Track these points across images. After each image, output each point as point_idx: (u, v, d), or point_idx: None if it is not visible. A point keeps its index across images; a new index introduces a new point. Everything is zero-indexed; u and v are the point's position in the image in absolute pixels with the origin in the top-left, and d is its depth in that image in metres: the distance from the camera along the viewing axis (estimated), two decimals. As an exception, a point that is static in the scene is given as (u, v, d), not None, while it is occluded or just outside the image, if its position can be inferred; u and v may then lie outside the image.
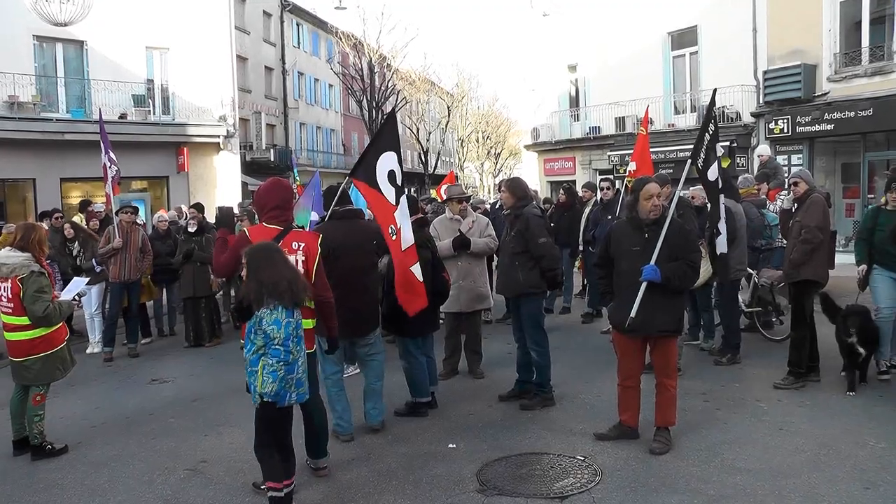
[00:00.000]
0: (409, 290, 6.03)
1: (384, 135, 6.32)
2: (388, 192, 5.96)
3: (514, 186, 7.01)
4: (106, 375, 8.76)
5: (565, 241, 10.66)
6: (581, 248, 10.83)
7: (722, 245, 6.50)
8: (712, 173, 6.22)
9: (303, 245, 4.96)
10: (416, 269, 6.00)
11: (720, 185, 6.40)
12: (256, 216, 5.89)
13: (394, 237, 5.94)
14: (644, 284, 5.36)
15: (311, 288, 4.87)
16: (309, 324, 4.91)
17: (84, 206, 13.05)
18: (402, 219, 5.98)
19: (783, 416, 6.15)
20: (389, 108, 7.51)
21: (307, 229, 6.59)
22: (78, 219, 12.05)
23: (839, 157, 18.00)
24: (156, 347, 10.31)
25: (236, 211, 10.66)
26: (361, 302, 5.87)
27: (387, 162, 6.02)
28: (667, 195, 6.99)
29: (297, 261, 4.89)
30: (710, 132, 6.13)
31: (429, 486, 4.98)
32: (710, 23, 19.94)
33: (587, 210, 10.69)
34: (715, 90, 7.10)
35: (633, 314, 5.47)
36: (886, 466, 5.01)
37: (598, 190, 10.53)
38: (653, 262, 5.36)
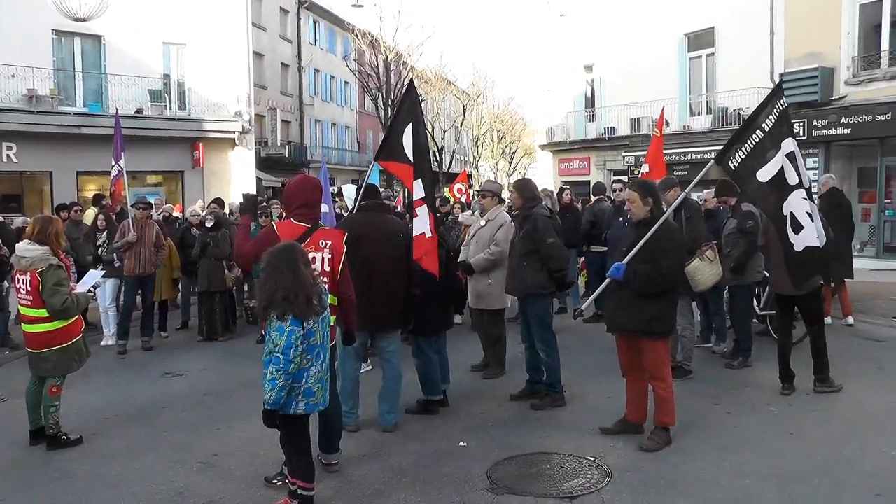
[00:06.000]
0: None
1: (403, 109, 6.49)
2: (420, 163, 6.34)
3: (523, 188, 7.05)
4: (120, 368, 8.83)
5: (572, 242, 10.67)
6: (585, 248, 10.87)
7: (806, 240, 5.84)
8: (764, 174, 5.71)
9: (329, 243, 5.00)
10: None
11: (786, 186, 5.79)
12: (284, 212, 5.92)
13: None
14: (608, 280, 5.67)
15: (334, 287, 4.92)
16: (331, 320, 4.97)
17: (97, 199, 13.20)
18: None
19: (794, 420, 6.14)
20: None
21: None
22: (91, 212, 12.18)
23: (855, 161, 17.88)
24: (169, 341, 10.38)
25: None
26: (383, 293, 5.90)
27: (409, 134, 6.29)
28: (674, 198, 7.02)
29: (323, 258, 4.93)
30: (766, 129, 5.72)
31: (439, 484, 5.01)
32: (727, 24, 19.86)
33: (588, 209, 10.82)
34: (782, 76, 6.70)
35: (583, 307, 6.36)
36: (898, 474, 4.99)
37: (612, 191, 10.52)
38: (625, 260, 5.51)
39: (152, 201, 12.00)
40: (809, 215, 5.79)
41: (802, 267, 6.04)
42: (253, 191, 22.31)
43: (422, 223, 6.19)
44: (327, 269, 4.95)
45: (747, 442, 5.65)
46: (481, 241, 7.80)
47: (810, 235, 5.79)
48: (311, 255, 4.84)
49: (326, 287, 4.83)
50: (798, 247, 5.82)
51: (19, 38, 18.86)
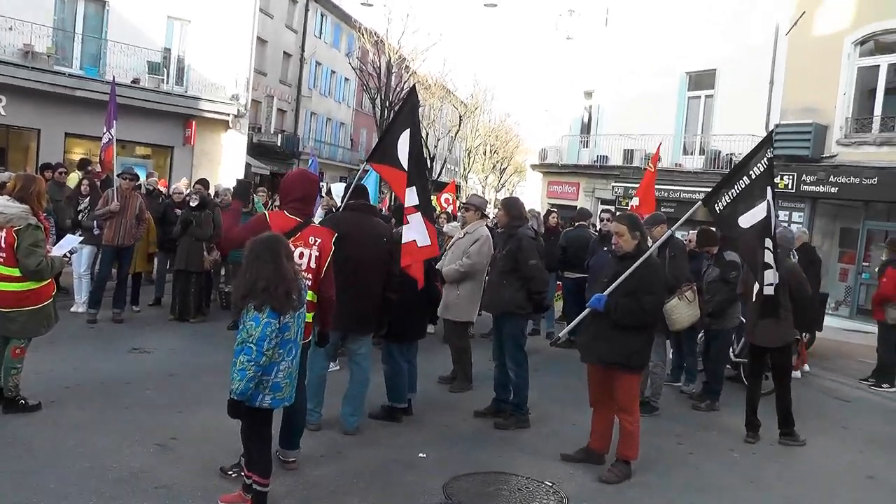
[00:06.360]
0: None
1: (403, 114, 6.47)
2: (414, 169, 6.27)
3: (510, 206, 7.07)
4: (88, 338, 8.71)
5: (553, 265, 10.69)
6: (561, 272, 10.90)
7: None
8: (747, 220, 5.82)
9: (319, 241, 4.98)
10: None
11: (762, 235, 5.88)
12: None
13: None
14: (587, 310, 5.66)
15: (316, 285, 4.91)
16: (307, 317, 4.93)
17: (83, 164, 13.06)
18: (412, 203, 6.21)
19: (755, 469, 6.17)
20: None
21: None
22: (76, 176, 12.04)
23: (839, 220, 18.08)
24: (140, 316, 10.26)
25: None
26: (362, 295, 5.86)
27: (405, 140, 6.27)
28: (660, 235, 7.06)
29: (310, 255, 4.91)
30: (753, 177, 5.82)
31: (394, 493, 4.98)
32: (730, 69, 20.01)
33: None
34: (776, 126, 6.84)
35: (560, 334, 6.23)
36: (850, 534, 5.02)
37: (599, 220, 10.56)
38: (606, 292, 5.52)
39: (142, 173, 11.87)
40: (767, 265, 5.89)
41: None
42: (241, 175, 22.25)
43: (413, 231, 6.15)
44: (313, 265, 4.93)
45: (707, 485, 5.67)
46: (456, 253, 7.82)
47: (763, 284, 5.96)
48: (299, 251, 4.84)
49: (308, 284, 4.82)
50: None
51: (22, -8, 18.65)
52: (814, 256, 10.62)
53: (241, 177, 21.97)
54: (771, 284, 5.91)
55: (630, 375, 5.61)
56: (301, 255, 4.87)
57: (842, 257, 17.85)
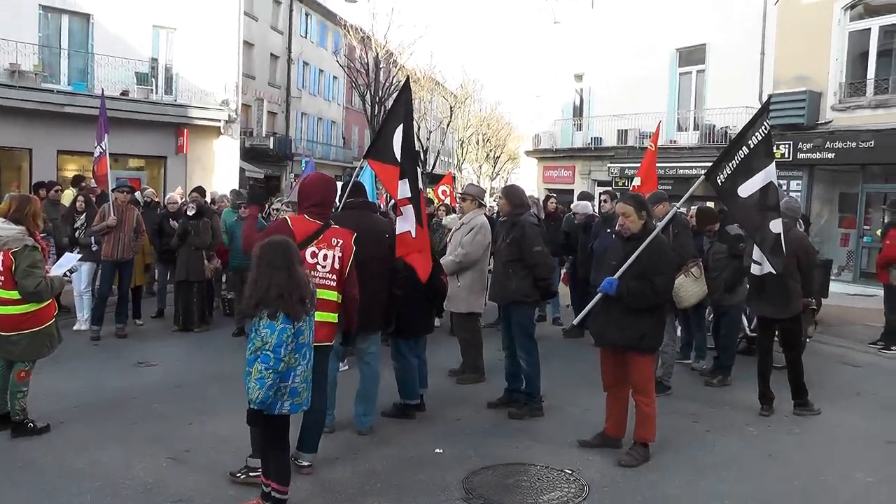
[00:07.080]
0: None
1: (396, 109, 6.43)
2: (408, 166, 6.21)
3: (511, 194, 7.00)
4: (92, 354, 8.65)
5: (556, 251, 10.63)
6: (568, 258, 10.83)
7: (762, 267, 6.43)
8: (745, 190, 5.81)
9: (341, 242, 5.00)
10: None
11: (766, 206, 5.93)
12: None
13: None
14: (599, 295, 5.60)
15: (340, 285, 4.95)
16: (332, 317, 4.92)
17: (77, 180, 12.98)
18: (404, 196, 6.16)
19: (772, 442, 6.13)
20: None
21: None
22: (70, 193, 11.96)
23: (837, 186, 18.06)
24: (143, 329, 10.21)
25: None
26: (367, 293, 5.71)
27: (399, 135, 6.24)
28: (662, 213, 6.99)
29: (334, 256, 4.93)
30: (752, 147, 5.79)
31: (413, 491, 4.92)
32: (719, 42, 19.96)
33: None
34: (770, 97, 6.89)
35: (574, 321, 6.26)
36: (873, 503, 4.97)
37: (600, 202, 10.49)
38: (616, 275, 5.45)
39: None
40: (765, 236, 5.98)
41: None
42: (236, 181, 22.15)
43: (407, 223, 6.12)
44: (337, 266, 4.95)
45: (726, 462, 5.62)
46: (455, 244, 7.78)
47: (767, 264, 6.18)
48: (323, 253, 4.90)
49: (334, 285, 4.89)
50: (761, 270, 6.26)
51: (4, 11, 18.46)
52: (808, 225, 10.61)
53: (236, 183, 21.90)
54: (759, 264, 6.10)
55: (644, 357, 5.56)
56: (325, 257, 4.91)
57: (842, 222, 17.84)
